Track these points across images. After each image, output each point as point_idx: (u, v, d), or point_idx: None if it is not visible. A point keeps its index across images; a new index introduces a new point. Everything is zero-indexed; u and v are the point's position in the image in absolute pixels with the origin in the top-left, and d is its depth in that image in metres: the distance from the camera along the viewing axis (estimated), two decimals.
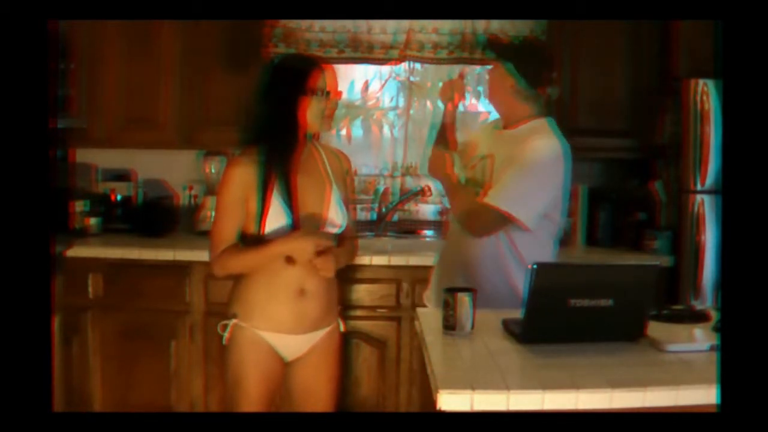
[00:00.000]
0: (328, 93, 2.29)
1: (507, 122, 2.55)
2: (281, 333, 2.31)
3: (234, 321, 2.33)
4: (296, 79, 2.27)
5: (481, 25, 3.68)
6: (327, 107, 2.30)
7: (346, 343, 3.27)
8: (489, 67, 2.68)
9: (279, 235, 2.24)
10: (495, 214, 2.38)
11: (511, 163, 2.41)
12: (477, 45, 3.69)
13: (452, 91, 2.68)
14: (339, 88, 2.34)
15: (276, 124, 2.27)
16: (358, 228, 2.49)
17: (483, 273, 2.45)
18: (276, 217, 2.25)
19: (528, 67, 2.47)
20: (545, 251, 2.48)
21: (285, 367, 2.38)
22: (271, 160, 2.25)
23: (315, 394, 2.42)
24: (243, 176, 2.25)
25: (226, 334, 2.34)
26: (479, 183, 2.52)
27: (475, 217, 2.44)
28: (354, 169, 3.96)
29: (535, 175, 2.40)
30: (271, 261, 2.26)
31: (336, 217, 2.35)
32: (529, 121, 2.50)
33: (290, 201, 2.25)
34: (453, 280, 2.39)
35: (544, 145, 2.42)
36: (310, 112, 2.27)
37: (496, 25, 3.67)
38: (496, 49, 2.61)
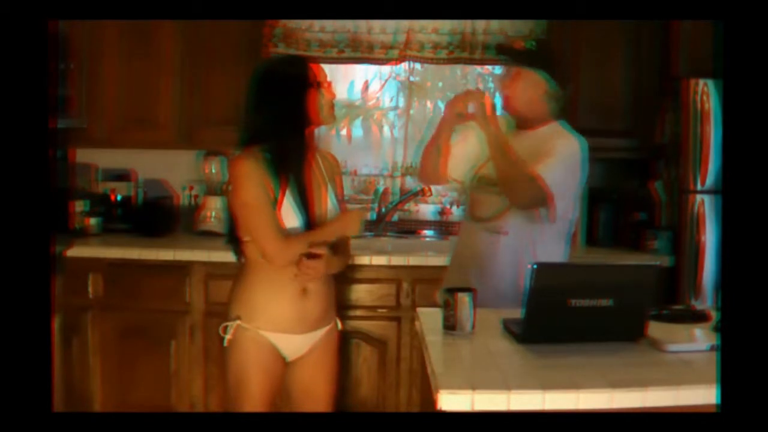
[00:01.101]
0: (329, 85, 2.32)
1: (527, 125, 2.57)
2: (284, 333, 2.31)
3: (237, 322, 2.32)
4: (301, 73, 2.28)
5: (481, 25, 3.68)
6: (331, 99, 2.32)
7: (346, 343, 3.28)
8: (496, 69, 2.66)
9: (292, 233, 2.26)
10: (540, 191, 2.37)
11: (544, 158, 2.41)
12: (477, 45, 3.68)
13: (465, 105, 2.51)
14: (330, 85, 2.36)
15: (286, 120, 2.26)
16: None
17: (498, 270, 2.45)
18: (287, 216, 2.26)
19: (553, 70, 2.53)
20: (559, 250, 2.53)
21: (285, 367, 2.39)
22: (282, 158, 2.25)
23: (314, 393, 2.43)
24: (257, 171, 2.25)
25: (228, 336, 2.33)
26: (493, 181, 2.52)
27: (521, 186, 2.40)
28: (354, 169, 3.99)
29: (568, 169, 2.45)
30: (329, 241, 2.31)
31: (333, 217, 2.37)
32: (548, 123, 2.55)
33: (304, 201, 2.26)
34: (466, 278, 2.40)
35: (575, 143, 2.49)
36: (318, 104, 2.28)
37: (495, 25, 3.67)
38: (524, 59, 2.56)
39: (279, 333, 2.31)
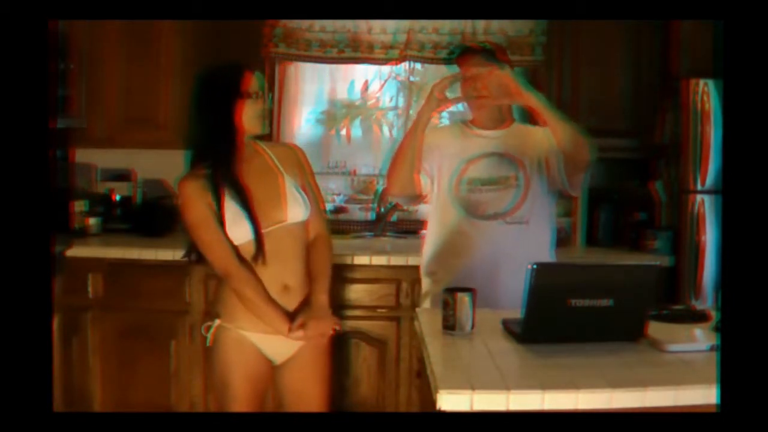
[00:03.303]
0: (261, 95, 2.28)
1: (493, 124, 2.61)
2: (266, 333, 2.27)
3: (217, 322, 2.31)
4: (229, 83, 2.26)
5: (481, 25, 3.68)
6: (263, 107, 2.29)
7: (345, 343, 3.28)
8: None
9: (244, 240, 2.24)
10: (591, 146, 2.45)
11: (543, 145, 2.51)
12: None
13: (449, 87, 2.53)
14: (266, 91, 2.33)
15: (215, 132, 2.26)
16: (326, 217, 2.49)
17: (528, 257, 2.36)
18: (236, 222, 2.23)
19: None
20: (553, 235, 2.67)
21: (273, 370, 2.35)
22: (216, 168, 2.24)
23: (306, 397, 2.37)
24: (198, 189, 2.24)
25: (210, 336, 2.32)
26: (486, 181, 2.53)
27: (584, 143, 2.44)
28: (353, 169, 3.98)
29: None
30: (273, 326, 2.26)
31: (296, 206, 2.32)
32: (513, 121, 2.65)
33: (244, 202, 2.23)
34: (496, 275, 2.45)
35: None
36: (246, 114, 2.26)
37: (496, 25, 3.67)
38: (499, 55, 2.62)
39: (261, 333, 2.27)
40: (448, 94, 2.52)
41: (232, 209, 2.23)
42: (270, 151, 2.39)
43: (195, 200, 2.24)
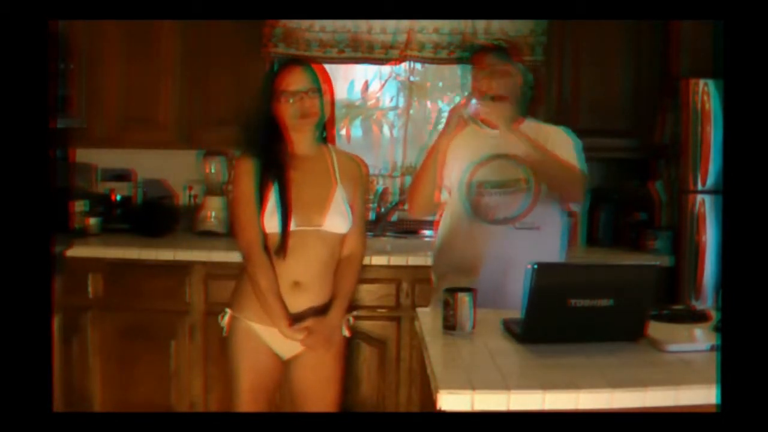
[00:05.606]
0: (305, 92, 2.29)
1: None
2: (273, 326, 2.30)
3: (228, 311, 2.37)
4: (267, 82, 2.34)
5: (481, 25, 3.68)
6: (301, 106, 2.29)
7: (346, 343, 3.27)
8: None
9: (275, 231, 2.28)
10: (585, 181, 2.46)
11: (556, 150, 2.47)
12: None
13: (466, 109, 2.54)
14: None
15: (259, 127, 2.34)
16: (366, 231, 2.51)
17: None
18: (273, 213, 2.28)
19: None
20: (562, 237, 2.64)
21: (282, 365, 2.38)
22: (264, 160, 2.32)
23: (315, 394, 2.39)
24: (250, 169, 2.31)
25: (223, 324, 2.38)
26: (496, 184, 2.52)
27: (575, 183, 2.45)
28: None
29: (579, 153, 2.53)
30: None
31: (337, 217, 2.34)
32: (524, 120, 2.57)
33: (283, 197, 2.28)
34: (503, 281, 2.42)
35: (561, 130, 2.57)
36: (284, 113, 2.30)
37: (496, 25, 3.67)
38: (512, 54, 2.63)
39: (270, 327, 2.30)
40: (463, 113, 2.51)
41: (274, 199, 2.29)
42: (336, 157, 2.42)
43: (244, 177, 2.32)
